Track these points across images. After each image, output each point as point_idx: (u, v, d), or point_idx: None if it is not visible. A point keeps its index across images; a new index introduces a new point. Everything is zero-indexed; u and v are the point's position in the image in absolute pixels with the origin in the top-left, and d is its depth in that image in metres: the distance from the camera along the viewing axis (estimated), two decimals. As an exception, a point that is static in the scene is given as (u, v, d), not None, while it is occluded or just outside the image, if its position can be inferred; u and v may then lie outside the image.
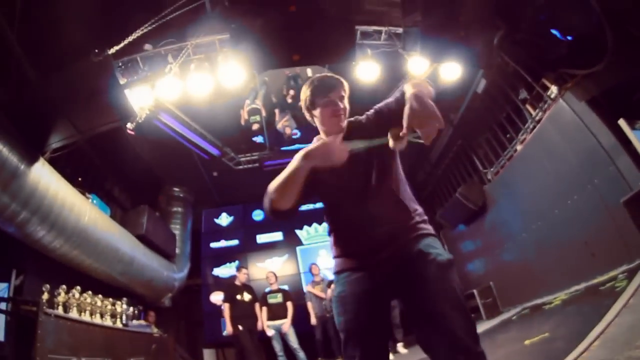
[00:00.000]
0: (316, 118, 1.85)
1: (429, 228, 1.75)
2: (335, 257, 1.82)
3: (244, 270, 7.21)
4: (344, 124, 1.82)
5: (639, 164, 4.68)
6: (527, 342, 3.90)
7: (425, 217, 1.79)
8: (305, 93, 1.86)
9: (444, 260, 1.57)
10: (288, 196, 1.61)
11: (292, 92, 8.69)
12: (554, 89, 5.87)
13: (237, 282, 7.03)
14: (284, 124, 8.65)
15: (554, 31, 5.35)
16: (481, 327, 6.75)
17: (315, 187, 1.71)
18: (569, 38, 5.18)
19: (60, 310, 4.78)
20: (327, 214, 1.86)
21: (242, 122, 8.93)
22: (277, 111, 8.80)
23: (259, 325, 6.91)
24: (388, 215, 1.70)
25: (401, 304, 1.69)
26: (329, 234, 1.87)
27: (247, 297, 6.88)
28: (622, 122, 4.79)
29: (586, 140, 5.36)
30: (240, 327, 6.46)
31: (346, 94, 1.83)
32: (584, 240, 5.53)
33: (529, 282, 6.97)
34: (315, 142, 1.69)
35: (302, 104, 1.90)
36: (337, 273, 1.78)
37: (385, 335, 1.74)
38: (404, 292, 1.62)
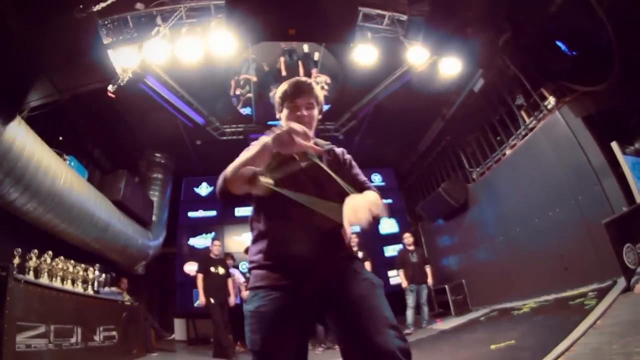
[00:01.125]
0: (281, 120, 1.80)
1: (355, 252, 1.74)
2: (258, 264, 1.62)
3: (216, 243, 7.09)
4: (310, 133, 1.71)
5: (624, 188, 4.78)
6: (493, 346, 3.95)
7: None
8: (277, 93, 1.83)
9: (377, 282, 1.54)
10: (242, 180, 1.47)
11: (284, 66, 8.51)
12: (551, 100, 5.88)
13: (212, 255, 6.96)
14: None
15: (559, 43, 5.30)
16: (449, 323, 6.98)
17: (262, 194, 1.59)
18: (574, 53, 5.13)
19: (31, 276, 4.63)
20: (263, 217, 1.66)
21: (232, 93, 8.67)
22: (272, 87, 8.57)
23: (231, 301, 6.92)
24: (330, 231, 1.60)
25: (329, 322, 1.56)
26: (255, 241, 1.67)
27: (221, 270, 6.79)
28: (614, 145, 4.85)
29: (576, 156, 5.43)
30: (212, 300, 6.42)
31: (317, 103, 1.78)
32: (560, 253, 5.68)
33: (501, 285, 7.17)
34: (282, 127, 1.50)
35: (276, 98, 1.85)
36: (258, 287, 1.57)
37: (302, 356, 1.57)
38: (334, 309, 1.49)
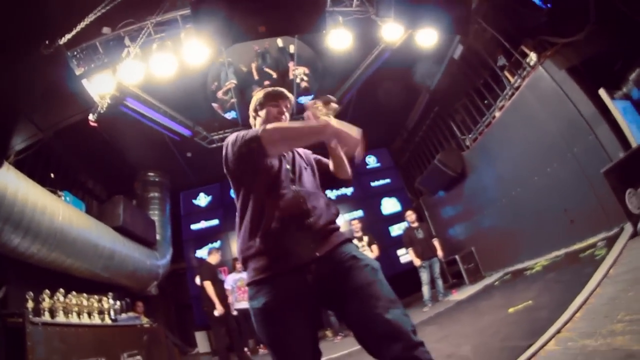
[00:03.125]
0: (260, 118, 1.94)
1: (347, 234, 1.82)
2: (253, 255, 1.58)
3: (215, 252, 7.01)
4: None
5: (618, 133, 4.78)
6: (511, 310, 3.99)
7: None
8: (257, 96, 1.98)
9: (376, 265, 1.57)
10: (289, 144, 1.69)
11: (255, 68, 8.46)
12: (533, 57, 5.85)
13: (214, 263, 6.90)
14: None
15: (533, -2, 5.25)
16: (465, 293, 7.02)
17: (268, 167, 1.67)
18: (549, 5, 5.08)
19: (47, 316, 4.62)
20: (256, 206, 1.63)
21: (219, 96, 8.61)
22: (254, 86, 8.49)
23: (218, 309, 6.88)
24: (324, 216, 1.64)
25: (337, 311, 1.62)
26: (248, 230, 1.62)
27: (221, 277, 6.81)
28: (602, 92, 4.84)
29: (566, 108, 5.42)
30: (223, 310, 6.36)
31: (288, 111, 1.96)
32: (563, 207, 5.70)
33: (510, 248, 7.22)
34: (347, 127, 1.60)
35: (251, 105, 2.00)
36: (260, 281, 1.56)
37: (315, 343, 1.60)
38: (340, 298, 1.51)
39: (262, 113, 1.92)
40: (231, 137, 1.69)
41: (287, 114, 1.94)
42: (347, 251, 1.58)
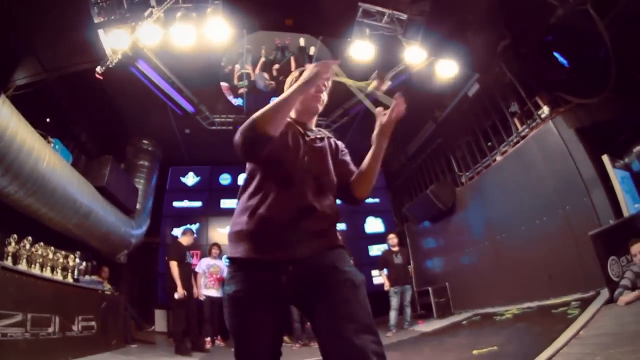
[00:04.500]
0: None
1: (340, 239, 1.66)
2: (238, 234, 1.55)
3: (190, 234, 6.87)
4: (319, 106, 1.82)
5: (612, 200, 4.85)
6: (475, 351, 3.94)
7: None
8: (293, 74, 1.89)
9: (359, 281, 1.49)
10: (280, 117, 1.49)
11: (276, 65, 8.40)
12: (545, 110, 5.92)
13: (184, 243, 6.76)
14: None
15: (557, 54, 5.33)
16: (431, 326, 7.01)
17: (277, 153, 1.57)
18: (571, 65, 5.17)
19: (9, 262, 4.49)
20: (256, 188, 1.59)
21: (235, 82, 8.54)
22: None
23: (195, 293, 6.77)
24: (321, 210, 1.56)
25: (302, 312, 1.59)
26: (242, 210, 1.58)
27: (189, 259, 6.65)
28: (605, 158, 4.91)
29: (567, 166, 5.48)
30: (185, 293, 6.22)
31: (327, 89, 1.83)
32: (545, 262, 5.74)
33: (484, 290, 7.23)
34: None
35: (286, 84, 1.86)
36: (234, 261, 1.54)
37: (277, 343, 1.56)
38: (308, 304, 1.48)
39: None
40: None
41: (325, 94, 1.82)
42: (330, 260, 1.51)
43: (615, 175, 4.84)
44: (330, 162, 1.72)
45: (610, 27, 4.35)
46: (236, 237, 1.55)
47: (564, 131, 5.55)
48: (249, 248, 1.50)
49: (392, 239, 7.75)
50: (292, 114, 1.81)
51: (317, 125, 1.94)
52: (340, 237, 1.63)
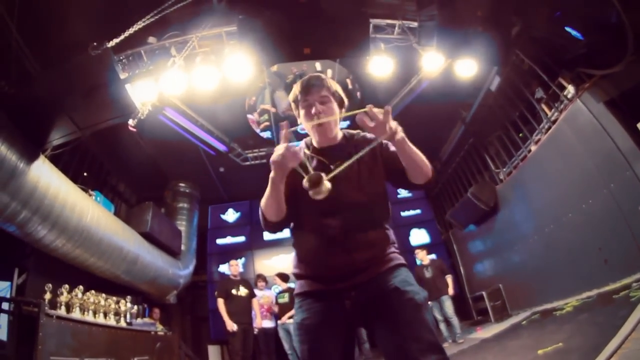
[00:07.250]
0: (297, 111, 1.77)
1: (401, 258, 1.64)
2: (298, 275, 1.69)
3: (233, 262, 6.99)
4: (332, 130, 1.71)
5: (657, 169, 4.49)
6: (540, 351, 3.73)
7: (396, 243, 1.69)
8: (290, 97, 1.79)
9: (421, 300, 1.49)
10: (272, 208, 1.56)
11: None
12: (570, 89, 5.67)
13: (231, 276, 6.88)
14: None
15: (569, 29, 5.13)
16: (491, 331, 6.65)
17: (296, 201, 1.58)
18: (586, 37, 4.95)
19: (62, 311, 4.73)
20: (300, 229, 1.69)
21: (255, 127, 8.83)
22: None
23: (257, 322, 6.79)
24: (365, 239, 1.58)
25: (369, 333, 1.62)
26: (296, 253, 1.73)
27: (243, 291, 6.65)
28: (640, 126, 4.59)
29: (603, 143, 5.17)
30: (235, 327, 6.27)
31: (332, 95, 1.71)
32: (598, 246, 5.36)
33: (539, 286, 6.83)
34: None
35: (290, 98, 1.81)
36: (300, 295, 1.66)
37: None
38: (374, 326, 1.53)
39: (301, 114, 1.73)
40: None
41: (329, 105, 1.69)
42: (389, 281, 1.54)
43: (656, 142, 4.51)
44: (366, 175, 1.64)
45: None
46: (297, 277, 1.71)
47: (594, 107, 5.26)
48: (312, 283, 1.63)
49: (419, 253, 7.57)
50: (315, 144, 1.76)
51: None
52: (399, 255, 1.65)
